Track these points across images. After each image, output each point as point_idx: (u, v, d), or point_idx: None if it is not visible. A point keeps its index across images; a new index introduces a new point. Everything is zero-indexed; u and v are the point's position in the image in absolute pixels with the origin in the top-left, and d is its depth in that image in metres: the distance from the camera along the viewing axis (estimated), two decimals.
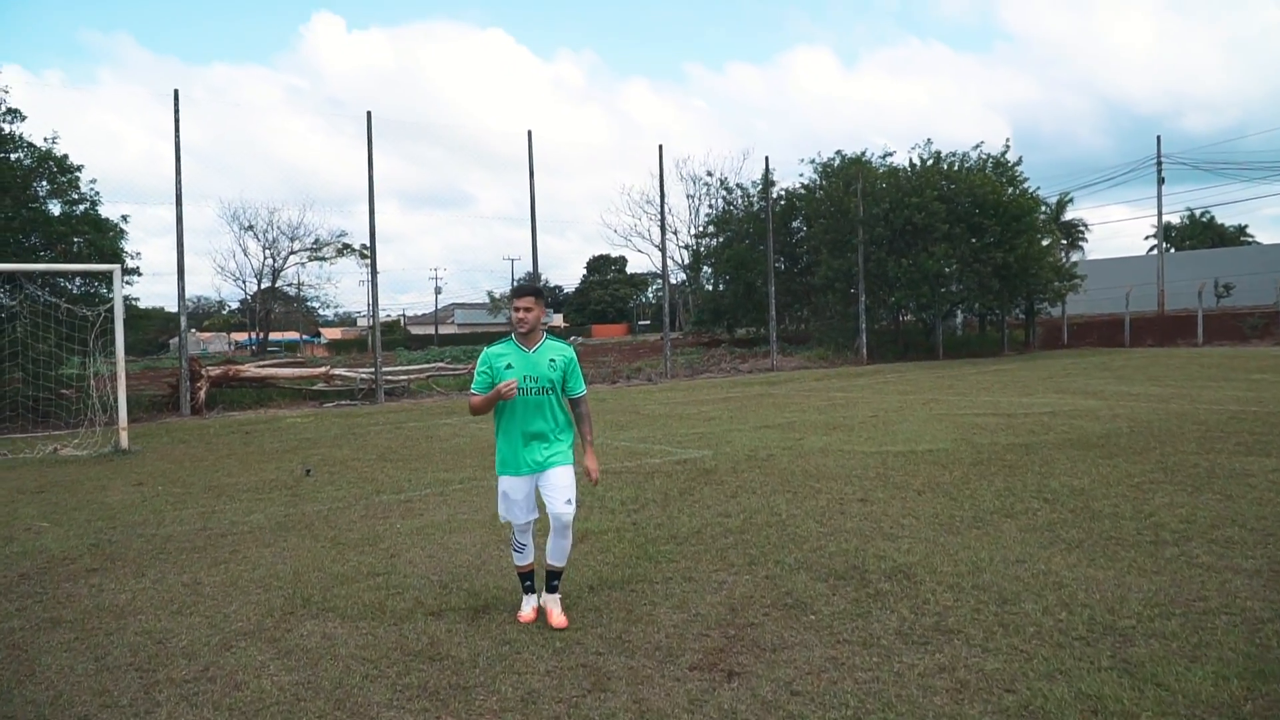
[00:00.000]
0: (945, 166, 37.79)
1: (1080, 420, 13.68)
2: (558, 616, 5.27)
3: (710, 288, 50.07)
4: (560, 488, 5.29)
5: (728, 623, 5.21)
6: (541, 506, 5.44)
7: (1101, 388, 19.59)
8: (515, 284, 5.39)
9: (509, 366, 5.23)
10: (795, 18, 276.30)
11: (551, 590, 5.42)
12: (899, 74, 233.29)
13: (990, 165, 38.19)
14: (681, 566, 6.38)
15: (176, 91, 21.30)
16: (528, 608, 5.43)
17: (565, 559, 5.45)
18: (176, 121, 21.31)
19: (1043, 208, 40.71)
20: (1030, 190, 38.45)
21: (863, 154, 39.50)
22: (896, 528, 7.28)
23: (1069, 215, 44.85)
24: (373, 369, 24.47)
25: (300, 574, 6.50)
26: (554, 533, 5.32)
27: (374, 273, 25.97)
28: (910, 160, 38.80)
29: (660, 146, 31.59)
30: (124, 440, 14.00)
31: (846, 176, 37.43)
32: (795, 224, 42.06)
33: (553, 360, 5.31)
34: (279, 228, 64.58)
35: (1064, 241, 47.60)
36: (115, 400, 14.41)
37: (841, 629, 5.04)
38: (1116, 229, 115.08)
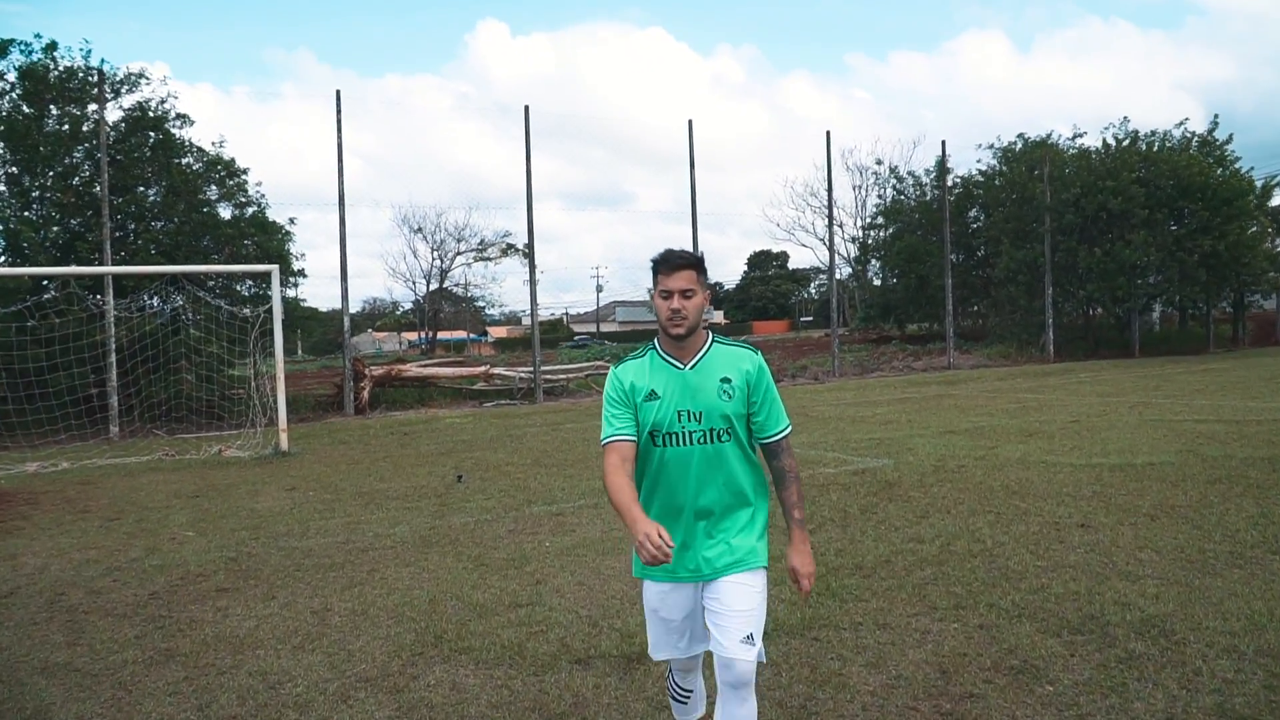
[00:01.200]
0: (1144, 147, 34.66)
1: None
2: None
3: (879, 282, 47.99)
4: (737, 613, 3.00)
5: (939, 691, 4.16)
6: None
7: None
8: (660, 252, 3.03)
9: (652, 396, 3.05)
10: (964, 3, 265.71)
11: None
12: (1078, 56, 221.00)
13: (1196, 144, 34.80)
14: (872, 608, 5.34)
15: (338, 92, 21.65)
16: None
17: None
18: (339, 122, 21.64)
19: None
20: (1243, 171, 34.86)
21: (1048, 136, 36.83)
22: (1134, 564, 5.99)
23: (1275, 201, 40.60)
24: (532, 368, 24.22)
25: (437, 602, 5.82)
26: (724, 697, 3.00)
27: (532, 270, 25.71)
28: (1104, 141, 35.82)
29: (828, 133, 30.21)
30: (284, 442, 13.94)
31: (1030, 161, 34.93)
32: (971, 214, 39.62)
33: (727, 381, 3.05)
34: (446, 229, 66.57)
35: (1270, 229, 43.26)
36: (275, 401, 14.37)
37: (1091, 708, 3.91)
38: None
